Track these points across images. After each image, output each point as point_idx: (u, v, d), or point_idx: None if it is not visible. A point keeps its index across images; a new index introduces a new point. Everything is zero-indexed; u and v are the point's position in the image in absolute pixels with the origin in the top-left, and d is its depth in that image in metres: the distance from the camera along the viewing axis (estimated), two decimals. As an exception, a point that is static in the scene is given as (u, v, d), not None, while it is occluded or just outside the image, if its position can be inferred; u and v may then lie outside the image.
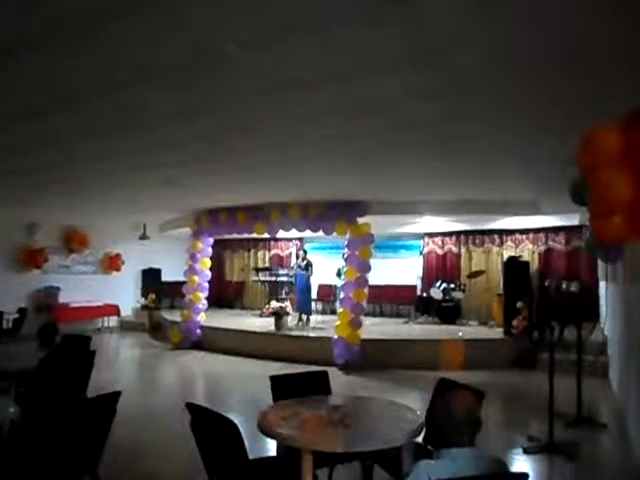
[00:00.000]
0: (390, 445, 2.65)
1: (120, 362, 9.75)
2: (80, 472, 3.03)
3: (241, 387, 7.32)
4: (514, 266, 9.41)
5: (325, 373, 3.91)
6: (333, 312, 12.45)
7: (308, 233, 10.24)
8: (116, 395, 3.09)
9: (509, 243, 11.99)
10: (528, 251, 11.67)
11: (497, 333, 9.35)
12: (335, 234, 9.05)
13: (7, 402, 3.36)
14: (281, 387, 3.60)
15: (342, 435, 2.66)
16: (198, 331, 10.54)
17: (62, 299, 12.27)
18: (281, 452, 3.16)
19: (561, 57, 2.89)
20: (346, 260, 8.91)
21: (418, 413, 2.97)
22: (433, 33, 2.74)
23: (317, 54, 3.07)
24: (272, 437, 2.80)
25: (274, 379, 3.65)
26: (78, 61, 3.18)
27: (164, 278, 14.36)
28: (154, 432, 5.21)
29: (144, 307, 13.32)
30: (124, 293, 13.93)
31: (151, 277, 14.34)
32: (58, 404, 3.17)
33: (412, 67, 3.23)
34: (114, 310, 13.26)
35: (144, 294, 13.70)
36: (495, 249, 12.15)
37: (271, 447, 3.89)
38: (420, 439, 3.03)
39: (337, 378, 6.83)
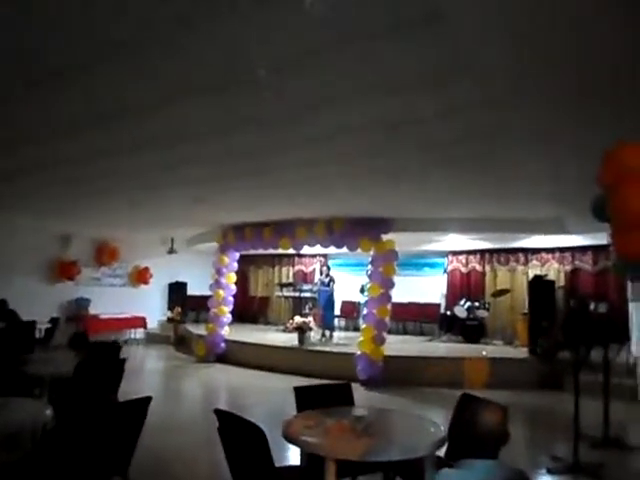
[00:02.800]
0: (412, 456, 2.70)
1: (146, 373, 9.93)
2: (111, 473, 3.16)
3: (265, 400, 7.39)
4: (540, 285, 9.30)
5: (348, 385, 3.97)
6: (356, 329, 12.44)
7: (332, 250, 10.34)
8: (147, 400, 3.22)
9: (534, 262, 11.85)
10: (554, 270, 11.51)
11: (522, 353, 9.22)
12: (359, 250, 9.13)
13: (43, 405, 3.50)
14: (305, 398, 3.66)
15: (365, 444, 2.71)
16: (222, 345, 10.67)
17: (92, 310, 12.61)
18: (305, 461, 3.23)
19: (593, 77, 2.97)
20: (370, 277, 8.96)
21: (441, 426, 3.02)
22: (462, 50, 2.85)
23: (348, 73, 3.21)
24: (296, 444, 2.87)
25: (298, 390, 3.72)
26: (130, 78, 3.38)
27: (190, 292, 14.57)
28: (180, 440, 5.32)
29: (170, 320, 13.54)
30: (151, 306, 14.19)
31: (177, 291, 14.58)
32: (91, 407, 3.30)
33: (441, 83, 3.34)
34: (141, 322, 13.53)
35: (170, 307, 13.94)
36: (520, 268, 12.02)
37: (294, 458, 3.96)
38: (442, 454, 3.08)
39: (360, 394, 6.84)
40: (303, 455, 3.26)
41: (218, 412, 2.96)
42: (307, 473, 3.01)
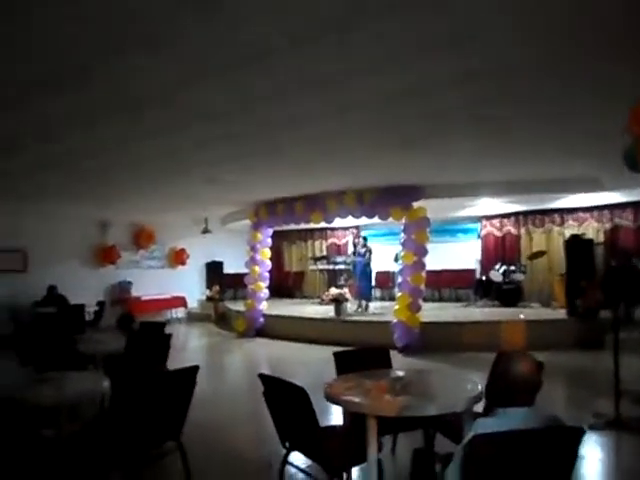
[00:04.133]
0: (449, 411, 2.80)
1: (191, 350, 10.32)
2: (165, 438, 3.38)
3: (305, 369, 7.61)
4: (577, 245, 9.12)
5: (386, 350, 4.07)
6: (392, 299, 12.50)
7: (364, 220, 10.38)
8: (195, 369, 3.40)
9: (571, 222, 11.60)
10: (592, 229, 11.24)
11: (560, 314, 9.14)
12: (391, 219, 9.14)
13: (99, 378, 3.74)
14: (344, 362, 3.78)
15: (403, 401, 2.82)
16: (261, 319, 10.96)
17: (134, 293, 13.10)
18: (347, 421, 3.37)
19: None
20: (403, 245, 8.99)
21: (478, 383, 3.09)
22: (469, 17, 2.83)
23: (364, 45, 3.22)
24: (338, 404, 3.00)
25: (337, 355, 3.85)
26: (151, 64, 3.49)
27: (226, 270, 14.91)
28: (228, 409, 5.60)
29: (209, 298, 13.93)
30: (190, 286, 14.61)
31: (214, 270, 14.94)
32: (144, 377, 3.52)
33: (455, 50, 3.32)
34: (181, 302, 13.99)
35: (208, 286, 14.33)
36: (556, 229, 11.79)
37: (337, 420, 4.12)
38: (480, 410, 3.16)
39: (397, 360, 6.94)
40: (345, 415, 3.41)
41: (262, 377, 3.12)
42: (350, 431, 3.15)
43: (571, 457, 2.02)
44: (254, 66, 3.59)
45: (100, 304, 10.57)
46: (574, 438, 1.99)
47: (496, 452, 1.91)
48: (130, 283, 13.12)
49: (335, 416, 4.50)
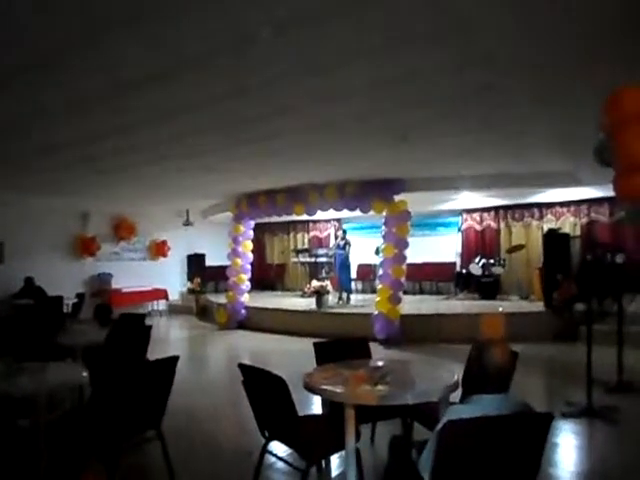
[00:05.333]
0: (426, 399, 2.86)
1: (172, 342, 10.29)
2: (146, 427, 3.39)
3: (286, 360, 7.62)
4: (554, 239, 9.30)
5: (365, 340, 4.13)
6: (373, 291, 12.59)
7: (346, 213, 10.42)
8: (175, 359, 3.41)
9: (549, 216, 11.80)
10: (569, 224, 11.46)
11: (537, 307, 9.33)
12: (372, 213, 9.20)
13: (78, 369, 3.73)
14: (324, 353, 3.83)
15: (382, 390, 2.86)
16: (243, 311, 10.96)
17: (114, 285, 12.96)
18: (326, 410, 3.41)
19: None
20: (384, 238, 9.06)
21: (454, 373, 3.16)
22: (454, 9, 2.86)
23: (348, 34, 3.24)
24: (316, 393, 3.04)
25: (317, 345, 3.89)
26: (138, 50, 3.45)
27: (208, 263, 14.84)
28: (208, 399, 5.61)
29: (190, 291, 13.86)
30: (171, 278, 14.53)
31: (196, 262, 14.84)
32: (124, 367, 3.52)
33: (439, 40, 3.35)
34: (163, 294, 13.89)
35: (190, 278, 14.25)
36: (535, 223, 11.98)
37: (317, 410, 4.16)
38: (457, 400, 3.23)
39: (378, 352, 7.05)
40: (324, 404, 3.45)
41: (242, 366, 3.14)
42: (329, 420, 3.19)
43: (540, 442, 2.09)
44: (237, 55, 3.58)
45: (79, 296, 10.44)
46: (543, 424, 2.06)
47: (468, 437, 1.97)
48: (110, 275, 12.98)
49: (316, 406, 4.55)
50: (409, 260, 9.15)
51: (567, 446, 4.09)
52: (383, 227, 9.09)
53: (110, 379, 3.46)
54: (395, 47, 3.49)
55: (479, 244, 12.71)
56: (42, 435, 3.11)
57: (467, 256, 12.62)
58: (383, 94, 4.57)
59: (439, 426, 2.08)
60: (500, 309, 9.35)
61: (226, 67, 3.82)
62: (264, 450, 3.16)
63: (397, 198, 8.85)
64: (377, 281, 9.79)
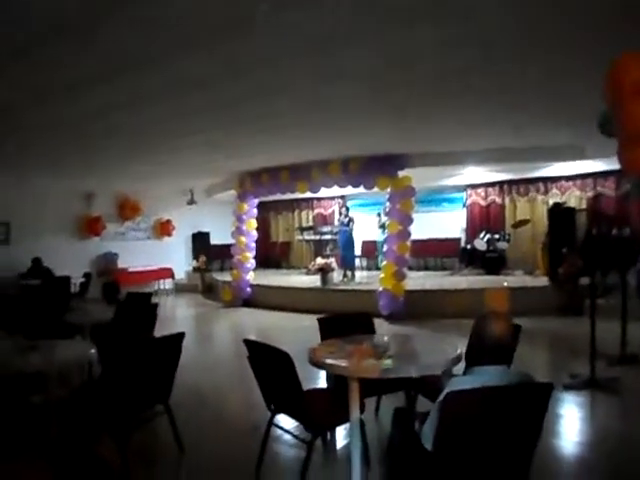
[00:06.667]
0: (429, 371, 2.89)
1: (178, 319, 10.40)
2: (154, 401, 3.46)
3: (291, 336, 7.70)
4: (559, 213, 9.23)
5: (369, 315, 4.16)
6: (378, 268, 12.64)
7: (350, 190, 10.38)
8: (181, 335, 3.46)
9: (555, 191, 11.73)
10: (575, 198, 11.39)
11: (542, 281, 9.34)
12: (376, 189, 9.16)
13: (87, 346, 3.79)
14: (328, 328, 3.85)
15: (385, 364, 2.89)
16: (248, 289, 11.04)
17: (120, 264, 13.05)
18: (331, 384, 3.46)
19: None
20: (388, 214, 9.04)
21: (457, 346, 3.18)
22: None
23: (346, 10, 3.18)
24: (321, 367, 3.08)
25: (322, 321, 3.92)
26: (134, 29, 3.42)
27: (213, 241, 14.90)
28: (214, 374, 5.72)
29: (196, 269, 13.96)
30: (176, 257, 14.61)
31: (201, 240, 14.91)
32: (132, 344, 3.57)
33: (439, 19, 3.30)
34: (168, 273, 13.99)
35: (195, 257, 14.32)
36: (540, 197, 11.92)
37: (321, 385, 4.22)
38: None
39: (383, 327, 7.13)
40: (329, 378, 3.50)
41: (247, 342, 3.18)
42: (333, 394, 3.24)
43: (541, 412, 2.11)
44: (238, 32, 3.53)
45: (87, 276, 10.54)
46: (544, 393, 2.09)
47: (468, 407, 2.00)
48: (116, 255, 13.07)
49: (321, 381, 4.61)
50: (414, 236, 9.14)
51: (570, 417, 4.14)
52: (387, 203, 9.06)
53: (118, 356, 3.52)
54: (393, 26, 3.44)
55: (484, 219, 12.68)
56: (54, 411, 3.19)
57: (472, 232, 12.59)
58: (385, 73, 4.53)
59: (441, 397, 2.11)
60: (505, 284, 9.36)
61: (227, 43, 3.77)
62: (270, 423, 3.22)
63: (401, 174, 8.80)
64: (381, 258, 9.83)
